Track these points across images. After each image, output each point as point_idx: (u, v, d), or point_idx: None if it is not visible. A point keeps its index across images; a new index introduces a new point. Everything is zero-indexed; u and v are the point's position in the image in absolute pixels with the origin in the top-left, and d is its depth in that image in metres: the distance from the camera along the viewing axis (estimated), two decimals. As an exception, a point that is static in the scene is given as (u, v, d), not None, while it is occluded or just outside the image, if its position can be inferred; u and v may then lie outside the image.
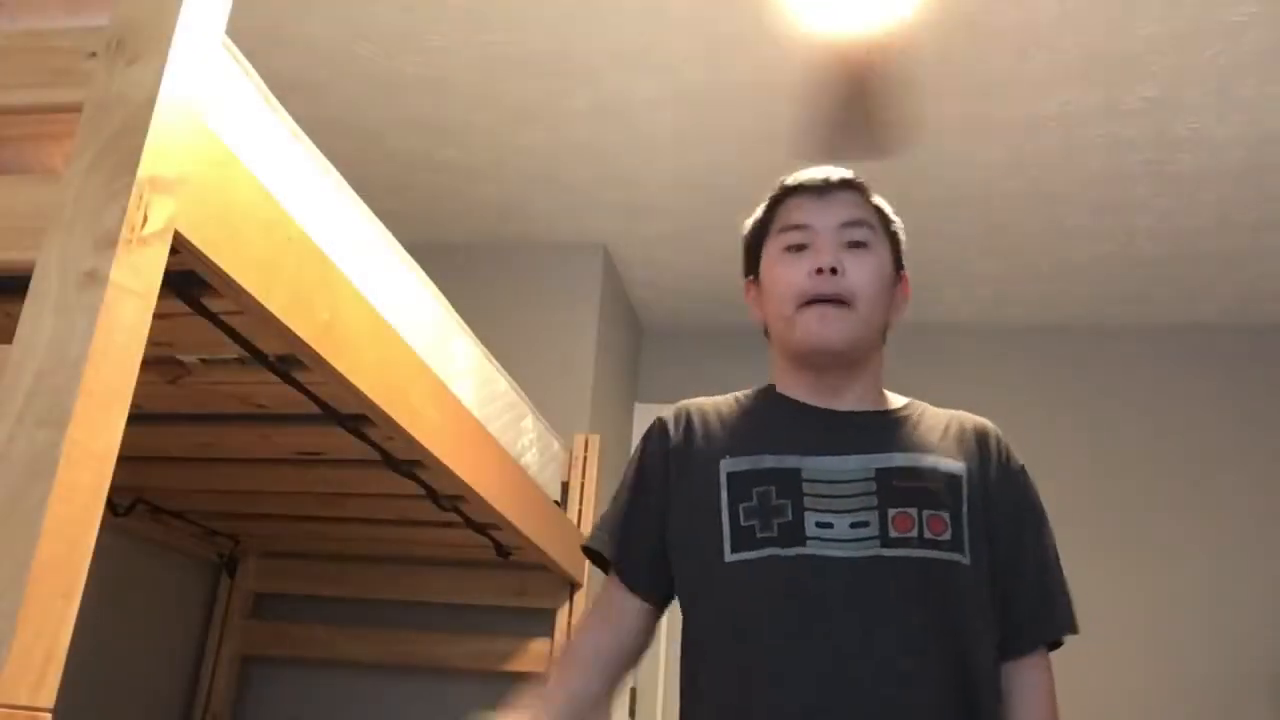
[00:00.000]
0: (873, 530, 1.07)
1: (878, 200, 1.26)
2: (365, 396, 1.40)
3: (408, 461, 1.83)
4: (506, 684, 2.91)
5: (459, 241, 3.42)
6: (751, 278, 1.31)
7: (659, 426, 1.28)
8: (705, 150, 2.81)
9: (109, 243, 0.84)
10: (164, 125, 0.90)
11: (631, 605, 1.22)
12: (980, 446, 1.18)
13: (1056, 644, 1.18)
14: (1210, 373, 3.47)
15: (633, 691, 3.35)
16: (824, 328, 1.14)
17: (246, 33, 1.24)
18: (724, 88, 2.53)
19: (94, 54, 0.92)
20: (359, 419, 1.60)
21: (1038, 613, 1.15)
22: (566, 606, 2.76)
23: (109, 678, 2.46)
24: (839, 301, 1.15)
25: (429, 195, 3.18)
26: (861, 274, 1.16)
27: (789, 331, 1.18)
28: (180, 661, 2.79)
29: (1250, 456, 3.34)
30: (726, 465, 1.15)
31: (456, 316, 1.91)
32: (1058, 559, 1.19)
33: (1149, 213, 2.90)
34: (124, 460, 0.86)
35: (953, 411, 1.24)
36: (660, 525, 1.21)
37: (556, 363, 3.21)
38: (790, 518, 1.09)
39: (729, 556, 1.10)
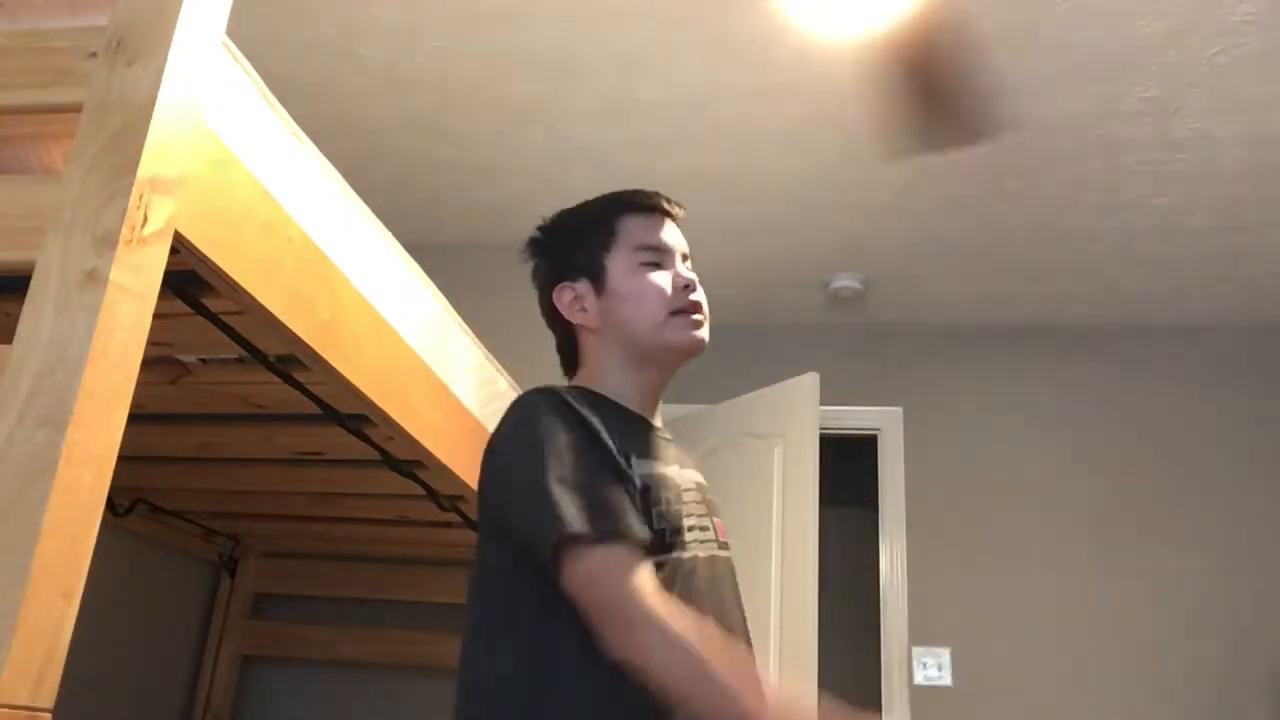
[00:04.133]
0: (711, 534, 1.21)
1: None
2: (365, 396, 1.40)
3: (408, 461, 1.83)
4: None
5: (459, 241, 3.42)
6: (581, 282, 1.31)
7: (570, 403, 1.17)
8: (705, 150, 2.81)
9: (109, 243, 0.84)
10: (164, 125, 0.90)
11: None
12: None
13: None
14: (1210, 373, 3.47)
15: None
16: (698, 333, 1.28)
17: (246, 33, 1.24)
18: (724, 88, 2.53)
19: (94, 54, 0.92)
20: (359, 419, 1.60)
21: None
22: (566, 606, 2.76)
23: (109, 678, 2.46)
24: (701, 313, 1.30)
25: (429, 195, 3.18)
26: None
27: (657, 334, 1.27)
28: (180, 661, 2.79)
29: (1250, 456, 3.34)
30: (638, 467, 1.15)
31: (456, 316, 1.91)
32: None
33: (1149, 213, 2.90)
34: (124, 460, 0.86)
35: None
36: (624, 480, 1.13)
37: (556, 363, 3.20)
38: (676, 524, 1.15)
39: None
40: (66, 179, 0.87)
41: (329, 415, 1.58)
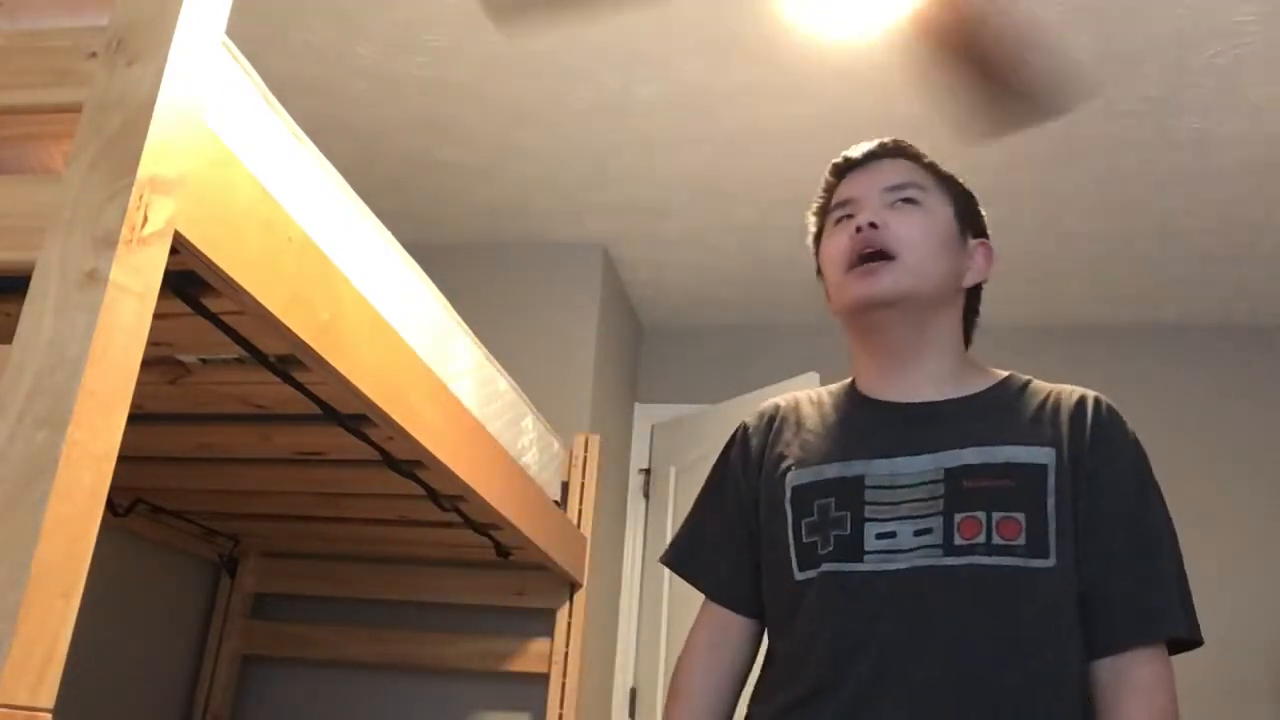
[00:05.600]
0: (936, 537, 0.99)
1: (931, 162, 1.22)
2: (365, 396, 1.40)
3: (408, 461, 1.83)
4: (506, 684, 2.92)
5: (459, 241, 3.42)
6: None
7: (741, 431, 1.24)
8: (705, 150, 2.81)
9: (109, 243, 0.84)
10: (164, 125, 0.90)
11: (729, 620, 1.17)
12: (1074, 423, 1.07)
13: (1183, 645, 1.07)
14: (1210, 373, 3.47)
15: (633, 691, 3.35)
16: (868, 281, 1.09)
17: (246, 33, 1.25)
18: (724, 88, 2.53)
19: (94, 54, 0.92)
20: (359, 419, 1.60)
21: (1130, 600, 1.03)
22: (566, 606, 2.76)
23: (109, 678, 2.46)
24: (883, 256, 1.10)
25: (429, 195, 3.18)
26: (907, 226, 1.12)
27: (842, 298, 1.14)
28: (180, 661, 2.79)
29: (1250, 456, 3.34)
30: (792, 478, 1.11)
31: (456, 316, 1.91)
32: (1165, 544, 1.06)
33: (1149, 213, 2.90)
34: (124, 460, 0.86)
35: (1058, 386, 1.16)
36: (744, 535, 1.17)
37: (556, 363, 3.21)
38: (848, 531, 1.03)
39: (797, 575, 1.07)
40: (66, 179, 0.87)
41: (329, 415, 1.58)
